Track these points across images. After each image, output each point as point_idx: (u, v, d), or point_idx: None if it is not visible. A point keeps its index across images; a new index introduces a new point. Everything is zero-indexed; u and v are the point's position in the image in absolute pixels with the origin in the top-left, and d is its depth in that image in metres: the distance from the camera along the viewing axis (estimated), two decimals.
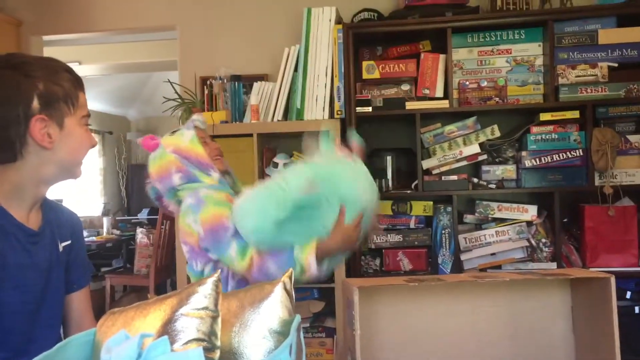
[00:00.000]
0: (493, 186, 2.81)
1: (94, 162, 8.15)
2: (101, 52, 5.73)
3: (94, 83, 6.74)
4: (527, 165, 2.73)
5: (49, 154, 1.23)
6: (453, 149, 2.82)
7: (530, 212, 2.76)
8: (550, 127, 2.74)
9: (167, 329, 0.76)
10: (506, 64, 2.83)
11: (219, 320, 0.79)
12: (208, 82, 3.07)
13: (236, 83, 2.99)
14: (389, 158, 2.93)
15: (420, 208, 2.88)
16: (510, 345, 1.20)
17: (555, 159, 2.71)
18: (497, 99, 2.78)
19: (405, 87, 2.84)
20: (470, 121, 2.82)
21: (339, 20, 2.95)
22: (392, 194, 2.87)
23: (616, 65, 2.73)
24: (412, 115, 2.80)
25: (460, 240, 2.78)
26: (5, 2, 3.56)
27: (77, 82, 1.28)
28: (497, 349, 1.19)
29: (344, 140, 2.72)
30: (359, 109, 2.81)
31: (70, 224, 1.43)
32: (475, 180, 2.83)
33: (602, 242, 2.68)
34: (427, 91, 2.84)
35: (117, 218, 7.30)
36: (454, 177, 2.81)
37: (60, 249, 1.36)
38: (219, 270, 0.85)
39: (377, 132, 3.11)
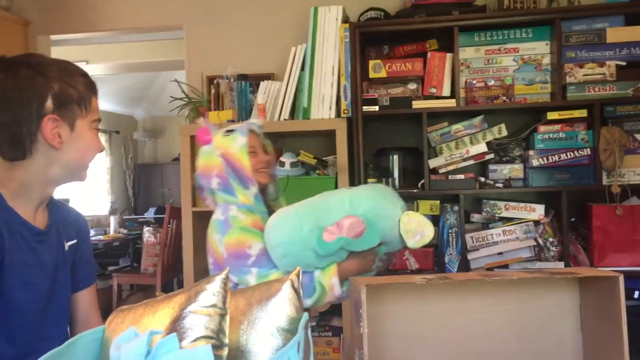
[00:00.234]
0: (500, 185, 2.80)
1: (101, 162, 8.18)
2: (108, 51, 5.76)
3: (101, 82, 6.72)
4: (534, 164, 2.72)
5: (57, 154, 1.24)
6: (460, 148, 2.82)
7: (538, 211, 2.74)
8: (558, 126, 2.73)
9: (176, 326, 0.76)
10: (513, 63, 2.82)
11: (227, 317, 0.79)
12: (215, 82, 3.08)
13: (243, 82, 3.00)
14: (395, 157, 2.92)
15: (427, 207, 2.87)
16: (518, 343, 1.19)
17: (562, 158, 2.70)
18: (504, 97, 2.77)
19: (412, 86, 2.84)
20: (477, 120, 2.82)
21: (345, 19, 2.95)
22: (398, 193, 2.85)
23: (624, 63, 2.71)
24: (419, 114, 2.79)
25: (467, 240, 2.78)
26: (12, 2, 3.57)
27: (91, 87, 1.30)
28: (505, 347, 1.19)
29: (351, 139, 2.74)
30: (365, 108, 2.81)
31: (76, 223, 1.45)
32: (482, 179, 2.83)
33: (610, 241, 2.66)
34: (433, 90, 2.83)
35: (124, 217, 7.33)
36: (461, 176, 2.80)
37: (66, 248, 1.37)
38: (227, 269, 0.85)
39: (383, 131, 3.11)
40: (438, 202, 2.87)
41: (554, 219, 2.80)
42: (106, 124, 8.13)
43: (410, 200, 2.87)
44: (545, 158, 2.71)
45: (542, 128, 2.74)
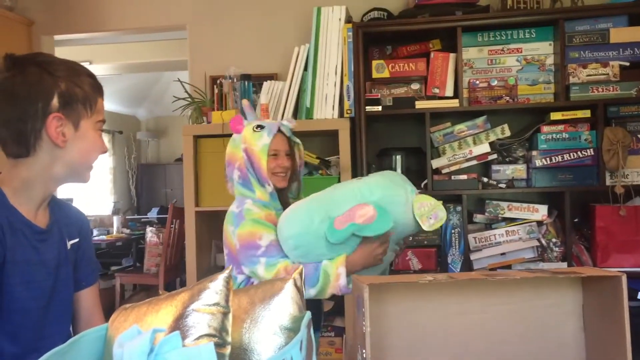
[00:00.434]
0: (503, 186, 2.80)
1: (104, 162, 8.19)
2: (112, 51, 5.77)
3: (104, 82, 6.66)
4: (537, 164, 2.71)
5: (60, 153, 1.25)
6: (463, 149, 2.82)
7: (541, 211, 2.74)
8: (561, 127, 2.73)
9: (179, 324, 0.76)
10: (517, 63, 2.82)
11: (230, 316, 0.79)
12: (218, 82, 3.08)
13: (246, 82, 3.00)
14: (398, 157, 2.93)
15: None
16: (521, 343, 1.19)
17: (566, 159, 2.70)
18: (507, 98, 2.77)
19: (415, 86, 2.84)
20: (480, 120, 2.81)
21: (348, 20, 2.95)
22: None
23: (628, 64, 2.71)
24: (422, 115, 2.79)
25: (470, 240, 2.77)
26: (16, 2, 3.58)
27: (97, 88, 1.32)
28: (508, 347, 1.19)
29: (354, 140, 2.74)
30: (368, 108, 2.81)
31: (78, 222, 1.45)
32: (485, 179, 2.82)
33: (613, 242, 2.66)
34: (436, 90, 2.83)
35: (127, 217, 7.35)
36: (464, 177, 2.80)
37: (68, 246, 1.38)
38: (230, 266, 0.85)
39: (386, 132, 3.11)
40: (441, 202, 2.86)
41: (557, 220, 2.80)
42: (109, 124, 8.15)
43: None
44: (548, 158, 2.71)
45: (545, 128, 2.74)
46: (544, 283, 1.20)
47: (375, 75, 2.84)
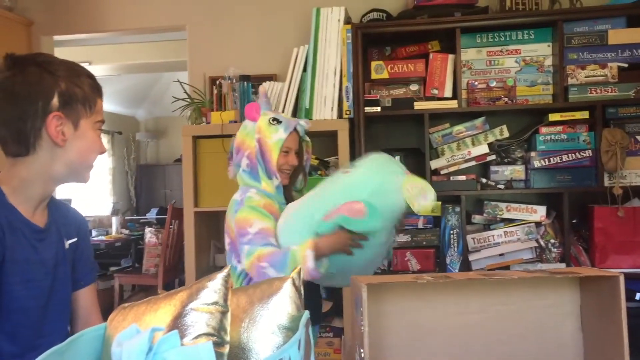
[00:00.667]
0: (502, 186, 2.80)
1: (103, 162, 8.19)
2: (111, 52, 5.77)
3: (103, 83, 6.66)
4: (536, 165, 2.72)
5: (60, 152, 1.26)
6: (462, 149, 2.82)
7: (539, 212, 2.74)
8: (560, 128, 2.73)
9: (177, 324, 0.76)
10: (515, 64, 2.82)
11: (229, 315, 0.79)
12: (217, 82, 3.08)
13: (245, 83, 3.00)
14: (397, 158, 2.91)
15: (428, 208, 2.87)
16: (519, 343, 1.19)
17: (564, 160, 2.70)
18: (506, 99, 2.77)
19: (414, 87, 2.84)
20: (478, 121, 2.82)
21: (347, 21, 2.95)
22: None
23: (626, 65, 2.71)
24: (421, 116, 2.80)
25: (468, 241, 2.78)
26: (16, 2, 3.59)
27: (97, 89, 1.33)
28: (506, 347, 1.19)
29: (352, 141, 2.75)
30: (367, 109, 2.81)
31: (76, 222, 1.46)
32: (484, 180, 2.83)
33: (612, 243, 2.66)
34: (435, 91, 2.83)
35: (126, 218, 7.35)
36: (463, 178, 2.80)
37: (67, 246, 1.38)
38: (229, 266, 0.85)
39: (385, 132, 3.11)
40: (440, 203, 2.87)
41: (556, 221, 2.80)
42: (109, 124, 8.15)
43: None
44: (546, 159, 2.71)
45: (543, 129, 2.75)
46: (542, 283, 1.21)
47: (374, 76, 2.84)
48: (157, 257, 5.00)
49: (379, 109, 2.82)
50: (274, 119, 1.83)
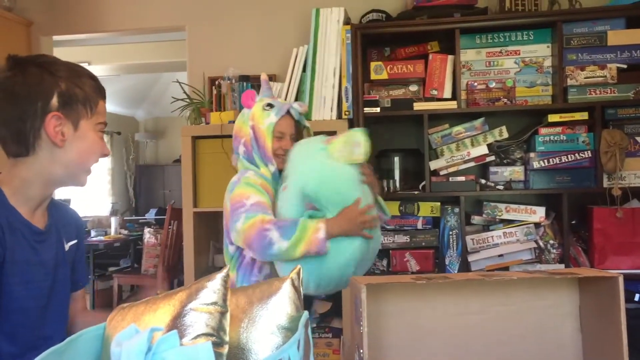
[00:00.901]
0: (501, 187, 2.80)
1: (102, 163, 8.17)
2: (110, 52, 5.77)
3: (103, 83, 6.75)
4: (535, 166, 2.72)
5: (59, 153, 1.25)
6: (461, 150, 2.82)
7: (538, 213, 2.75)
8: (559, 129, 2.73)
9: (177, 324, 0.76)
10: (515, 65, 2.82)
11: (228, 315, 0.79)
12: (216, 82, 3.08)
13: (244, 83, 3.00)
14: (396, 159, 2.93)
15: (427, 209, 2.87)
16: (518, 344, 1.19)
17: (563, 161, 2.70)
18: (505, 100, 2.78)
19: (413, 87, 2.84)
20: (478, 122, 2.82)
21: (347, 21, 2.95)
22: (399, 195, 2.87)
23: (625, 66, 2.72)
24: (420, 116, 2.80)
25: (467, 242, 2.78)
26: (15, 3, 3.58)
27: (99, 90, 1.33)
28: (506, 348, 1.19)
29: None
30: (366, 110, 2.81)
31: (76, 223, 1.47)
32: (483, 181, 2.83)
33: (611, 244, 2.67)
34: (435, 92, 2.84)
35: (125, 218, 7.34)
36: (462, 178, 2.80)
37: (67, 248, 1.39)
38: (228, 266, 0.85)
39: (384, 133, 3.11)
40: (439, 203, 2.87)
41: (555, 221, 2.80)
42: (108, 124, 8.14)
43: (411, 202, 2.88)
44: (546, 160, 2.71)
45: (543, 130, 2.75)
46: (541, 284, 1.21)
47: (373, 76, 2.85)
48: (156, 257, 5.00)
49: (378, 109, 2.82)
50: (268, 104, 1.82)
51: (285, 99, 2.91)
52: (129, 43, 5.48)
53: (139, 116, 9.43)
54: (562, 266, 2.70)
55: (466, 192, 2.79)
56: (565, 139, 2.72)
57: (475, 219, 2.88)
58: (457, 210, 2.79)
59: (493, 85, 2.79)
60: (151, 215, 7.55)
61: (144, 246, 5.26)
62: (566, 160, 2.70)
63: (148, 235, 5.22)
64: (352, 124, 2.82)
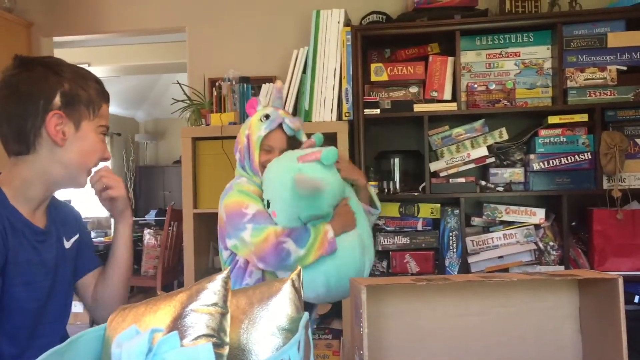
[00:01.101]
0: (501, 189, 2.80)
1: (102, 164, 8.18)
2: (111, 53, 5.77)
3: None
4: (535, 168, 2.72)
5: (60, 152, 1.26)
6: (461, 152, 2.82)
7: (538, 215, 2.75)
8: (559, 130, 2.74)
9: (177, 325, 0.76)
10: (515, 67, 2.83)
11: (228, 316, 0.79)
12: (217, 84, 3.08)
13: (245, 84, 3.00)
14: (396, 160, 2.93)
15: (427, 210, 2.88)
16: (518, 345, 1.20)
17: (563, 162, 2.71)
18: (505, 101, 2.78)
19: (414, 89, 2.85)
20: (478, 124, 2.82)
21: (347, 23, 2.95)
22: (399, 196, 2.87)
23: (625, 68, 2.72)
24: (420, 118, 2.80)
25: (467, 243, 2.78)
26: (15, 4, 3.59)
27: (103, 94, 1.34)
28: (506, 349, 1.19)
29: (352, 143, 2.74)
30: (367, 111, 2.81)
31: (75, 219, 1.49)
32: (483, 183, 2.83)
33: (610, 245, 2.67)
34: (435, 94, 2.84)
35: None
36: (462, 180, 2.80)
37: (69, 245, 1.39)
38: (228, 268, 0.85)
39: (385, 134, 3.11)
40: (439, 205, 2.87)
41: (555, 223, 2.80)
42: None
43: (411, 204, 2.88)
44: (546, 162, 2.71)
45: (543, 132, 2.75)
46: (541, 286, 1.21)
47: (373, 78, 2.85)
48: (156, 258, 4.99)
49: (378, 111, 2.82)
50: (265, 115, 1.82)
51: (286, 101, 2.91)
52: (129, 44, 5.48)
53: (139, 117, 9.43)
54: (562, 268, 2.70)
55: (466, 194, 2.79)
56: (565, 140, 2.72)
57: (475, 221, 2.88)
58: (457, 211, 2.79)
59: (493, 86, 2.79)
60: (151, 216, 7.54)
61: (144, 247, 5.24)
62: (566, 162, 2.70)
63: (148, 236, 5.21)
64: (352, 126, 2.82)
